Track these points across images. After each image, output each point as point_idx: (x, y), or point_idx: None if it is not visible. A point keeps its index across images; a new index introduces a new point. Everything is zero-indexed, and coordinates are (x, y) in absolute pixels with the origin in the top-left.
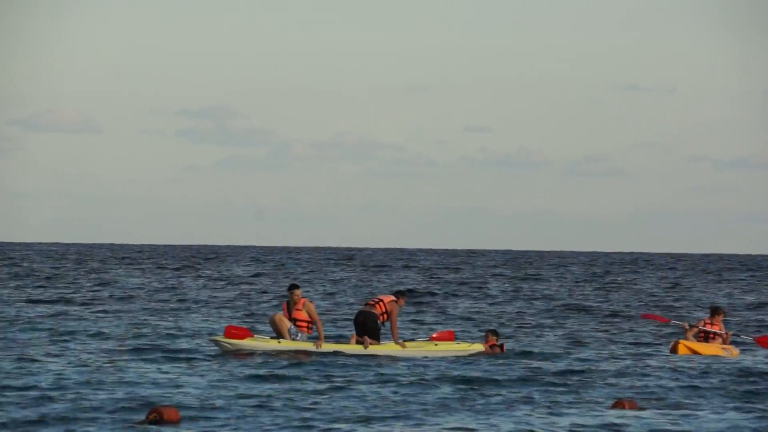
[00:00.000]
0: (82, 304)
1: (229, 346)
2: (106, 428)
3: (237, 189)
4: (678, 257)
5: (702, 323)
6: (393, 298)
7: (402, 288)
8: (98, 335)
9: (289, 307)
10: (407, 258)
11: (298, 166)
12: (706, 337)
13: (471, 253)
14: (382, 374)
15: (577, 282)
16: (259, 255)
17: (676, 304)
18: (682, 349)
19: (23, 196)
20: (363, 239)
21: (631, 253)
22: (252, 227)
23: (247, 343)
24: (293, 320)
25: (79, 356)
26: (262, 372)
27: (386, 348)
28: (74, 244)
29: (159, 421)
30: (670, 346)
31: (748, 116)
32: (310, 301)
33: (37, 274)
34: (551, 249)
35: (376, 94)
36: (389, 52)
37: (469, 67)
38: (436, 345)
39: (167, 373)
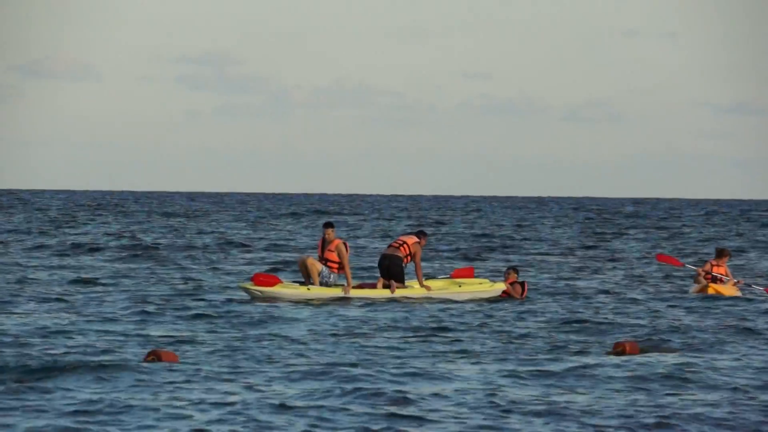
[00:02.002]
0: (94, 250)
1: (259, 293)
2: (104, 371)
3: (236, 136)
4: (676, 202)
5: (708, 265)
6: (416, 239)
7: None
8: (104, 282)
9: (324, 245)
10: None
11: (297, 113)
12: (713, 280)
13: (472, 201)
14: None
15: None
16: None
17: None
18: (711, 291)
19: (24, 144)
20: (363, 186)
21: (632, 199)
22: (251, 174)
23: (276, 290)
24: (324, 260)
25: (79, 301)
26: (273, 319)
27: (413, 291)
28: (75, 191)
29: (157, 362)
30: (698, 290)
31: (747, 61)
32: (344, 243)
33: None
34: (551, 195)
35: (375, 40)
36: None
37: (467, 12)
38: (459, 286)
39: (172, 321)
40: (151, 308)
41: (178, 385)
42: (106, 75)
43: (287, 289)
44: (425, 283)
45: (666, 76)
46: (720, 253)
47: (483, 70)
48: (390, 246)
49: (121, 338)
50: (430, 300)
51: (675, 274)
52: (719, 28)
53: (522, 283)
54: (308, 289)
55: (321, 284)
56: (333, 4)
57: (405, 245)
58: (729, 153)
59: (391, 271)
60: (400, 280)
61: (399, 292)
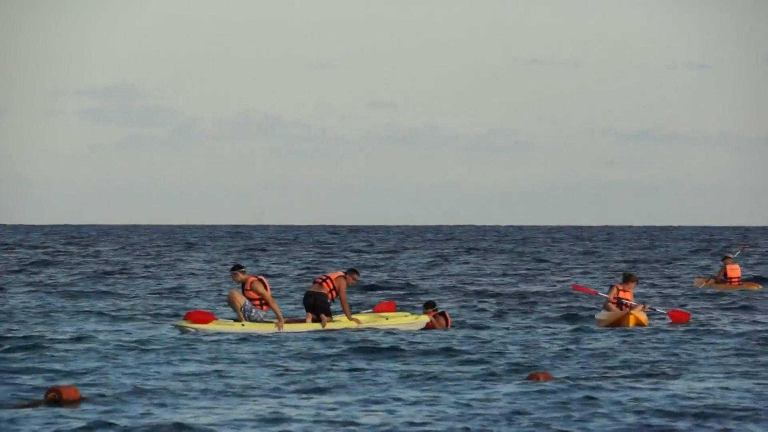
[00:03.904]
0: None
1: (193, 330)
2: (1, 410)
3: (142, 168)
4: (583, 230)
5: (615, 290)
6: (341, 273)
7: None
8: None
9: (243, 288)
10: (308, 234)
11: (202, 145)
12: (619, 304)
13: (379, 229)
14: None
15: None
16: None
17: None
18: (633, 321)
19: None
20: (268, 216)
21: (536, 227)
22: (158, 206)
23: (211, 327)
24: (249, 299)
25: None
26: (191, 354)
27: (342, 324)
28: None
29: (58, 400)
30: (616, 318)
31: (651, 88)
32: (259, 279)
33: None
34: (457, 223)
35: (279, 72)
36: (292, 29)
37: (372, 43)
38: (387, 319)
39: (79, 352)
40: (64, 341)
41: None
42: (9, 109)
43: (222, 326)
44: (353, 316)
45: (569, 105)
46: (627, 278)
47: (388, 99)
48: (314, 282)
49: (22, 374)
50: (359, 331)
51: (587, 302)
52: (620, 56)
53: (443, 314)
54: (242, 325)
55: (247, 318)
56: (236, 36)
57: (328, 280)
58: (634, 179)
59: (318, 308)
60: (328, 315)
61: (329, 326)
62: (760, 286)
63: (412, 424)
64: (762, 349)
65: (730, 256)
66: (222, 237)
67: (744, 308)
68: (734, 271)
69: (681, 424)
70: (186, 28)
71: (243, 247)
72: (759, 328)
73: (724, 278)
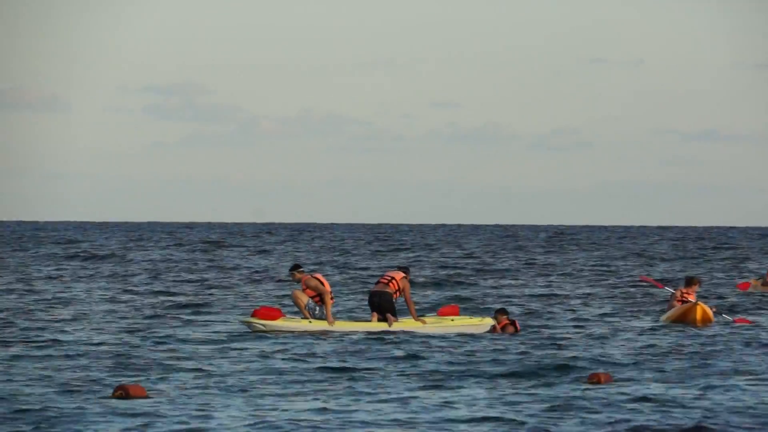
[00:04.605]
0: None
1: (262, 326)
2: (72, 405)
3: (204, 165)
4: (644, 229)
5: (679, 293)
6: (404, 274)
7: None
8: (82, 313)
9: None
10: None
11: (265, 143)
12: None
13: (439, 228)
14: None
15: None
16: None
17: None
18: (700, 312)
19: None
20: (330, 215)
21: (600, 227)
22: (219, 203)
23: (279, 323)
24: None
25: (55, 331)
26: (261, 351)
27: (409, 325)
28: (40, 222)
29: (125, 397)
30: (683, 311)
31: (715, 88)
32: (313, 276)
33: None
34: (518, 222)
35: (342, 70)
36: (355, 27)
37: (435, 42)
38: (452, 320)
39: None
40: (129, 337)
41: (141, 422)
42: (74, 106)
43: (290, 322)
44: (419, 317)
45: (633, 104)
46: (689, 282)
47: (451, 99)
48: (378, 282)
49: (94, 367)
50: (425, 333)
51: (645, 300)
52: (685, 55)
53: (513, 323)
54: (310, 322)
55: (312, 316)
56: (300, 34)
57: (394, 281)
58: (697, 180)
59: (383, 307)
60: (394, 315)
61: (396, 326)
62: None
63: (473, 423)
64: None
65: None
66: (282, 234)
67: None
68: None
69: (741, 427)
70: (250, 26)
71: (306, 244)
72: None
73: None
